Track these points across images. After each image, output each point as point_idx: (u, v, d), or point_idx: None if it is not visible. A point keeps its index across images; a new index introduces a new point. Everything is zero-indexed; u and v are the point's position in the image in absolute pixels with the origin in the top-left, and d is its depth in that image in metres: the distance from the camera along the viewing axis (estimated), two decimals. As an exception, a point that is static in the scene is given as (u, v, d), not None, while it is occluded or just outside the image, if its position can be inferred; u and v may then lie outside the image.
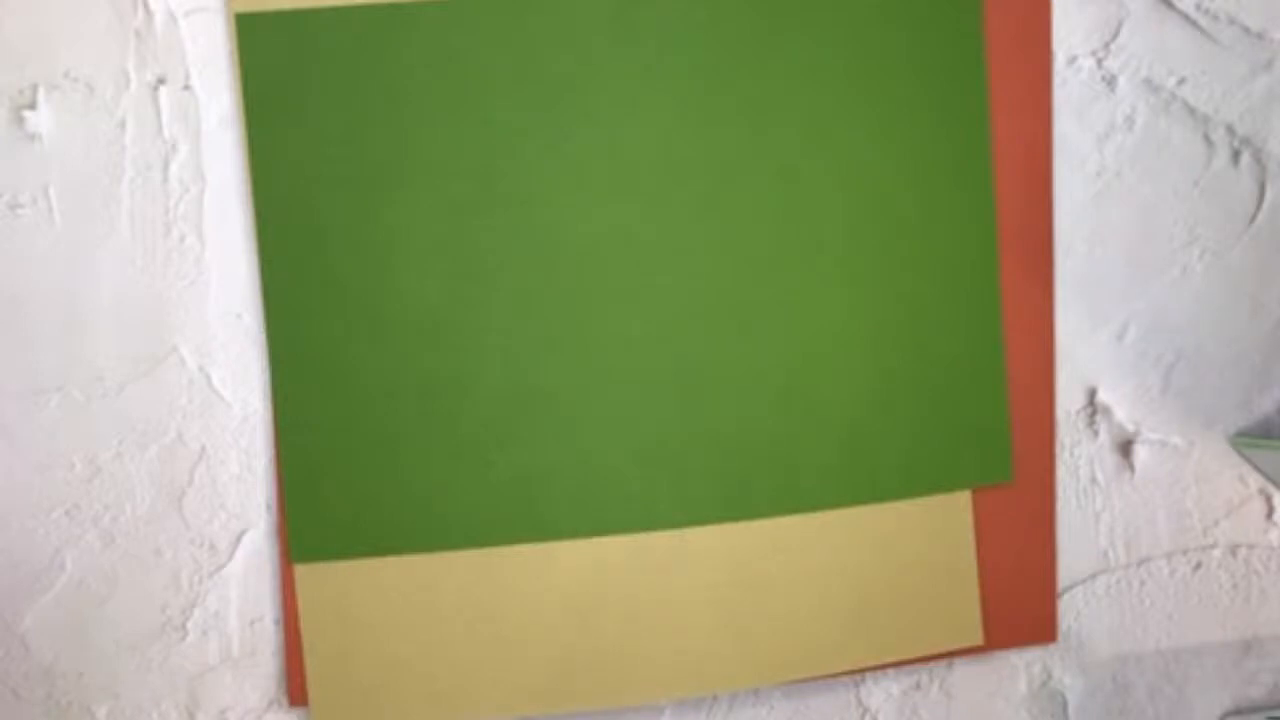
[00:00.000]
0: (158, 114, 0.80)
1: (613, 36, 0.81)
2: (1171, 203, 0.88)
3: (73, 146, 0.79)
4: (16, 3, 0.78)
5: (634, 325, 0.83)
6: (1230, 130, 0.88)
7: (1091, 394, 0.89)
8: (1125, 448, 0.90)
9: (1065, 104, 0.86)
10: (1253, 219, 0.89)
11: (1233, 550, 0.92)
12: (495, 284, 0.82)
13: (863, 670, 0.89)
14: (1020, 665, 0.92)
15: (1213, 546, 0.92)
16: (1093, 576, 0.91)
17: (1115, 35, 0.86)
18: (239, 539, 0.84)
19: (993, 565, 0.89)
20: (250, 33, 0.79)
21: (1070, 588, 0.91)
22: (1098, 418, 0.90)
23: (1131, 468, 0.90)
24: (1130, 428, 0.90)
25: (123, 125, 0.79)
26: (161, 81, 0.79)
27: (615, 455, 0.84)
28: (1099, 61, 0.86)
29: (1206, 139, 0.88)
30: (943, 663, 0.91)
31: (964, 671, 0.91)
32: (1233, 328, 0.90)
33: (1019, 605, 0.90)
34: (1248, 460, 0.91)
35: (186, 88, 0.80)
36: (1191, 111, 0.87)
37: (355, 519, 0.83)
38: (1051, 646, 0.91)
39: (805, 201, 0.84)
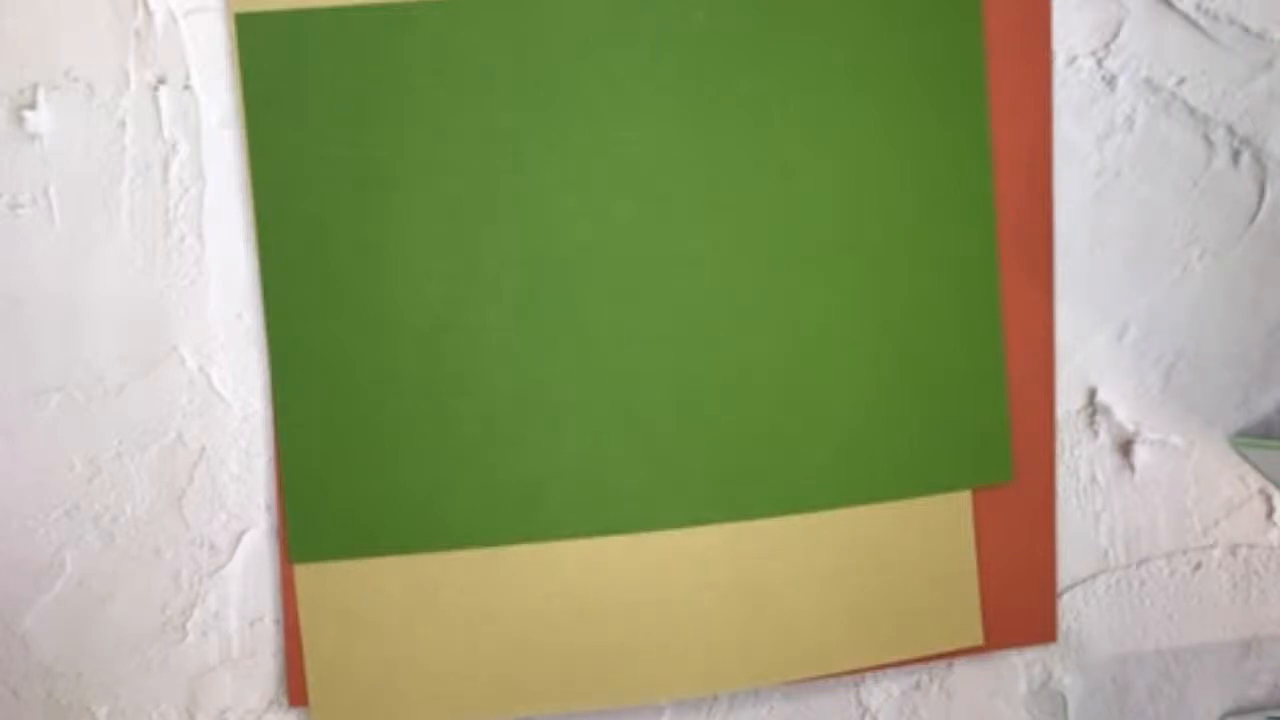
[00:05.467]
0: (158, 114, 0.80)
1: (613, 36, 0.81)
2: (1171, 203, 0.88)
3: (73, 146, 0.79)
4: (16, 3, 0.78)
5: (634, 325, 0.83)
6: (1230, 130, 0.88)
7: (1091, 394, 0.89)
8: (1125, 448, 0.90)
9: (1065, 104, 0.86)
10: (1253, 219, 0.89)
11: (1233, 550, 0.92)
12: (495, 284, 0.82)
13: (863, 670, 0.89)
14: (1020, 665, 0.92)
15: (1213, 546, 0.92)
16: (1093, 576, 0.91)
17: (1115, 35, 0.86)
18: (239, 539, 0.84)
19: (993, 565, 0.89)
20: (250, 33, 0.79)
21: (1070, 588, 0.91)
22: (1098, 418, 0.90)
23: (1131, 468, 0.90)
24: (1130, 428, 0.90)
25: (123, 125, 0.79)
26: (161, 81, 0.79)
27: (615, 455, 0.84)
28: (1099, 61, 0.86)
29: (1206, 139, 0.88)
30: (943, 663, 0.91)
31: (964, 671, 0.91)
32: (1233, 328, 0.90)
33: (1019, 605, 0.90)
34: (1248, 460, 0.91)
35: (186, 88, 0.80)
36: (1191, 111, 0.87)
37: (355, 519, 0.83)
38: (1051, 646, 0.91)
39: (805, 201, 0.84)
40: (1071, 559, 0.91)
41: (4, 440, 0.81)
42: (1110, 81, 0.86)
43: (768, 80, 0.82)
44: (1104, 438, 0.90)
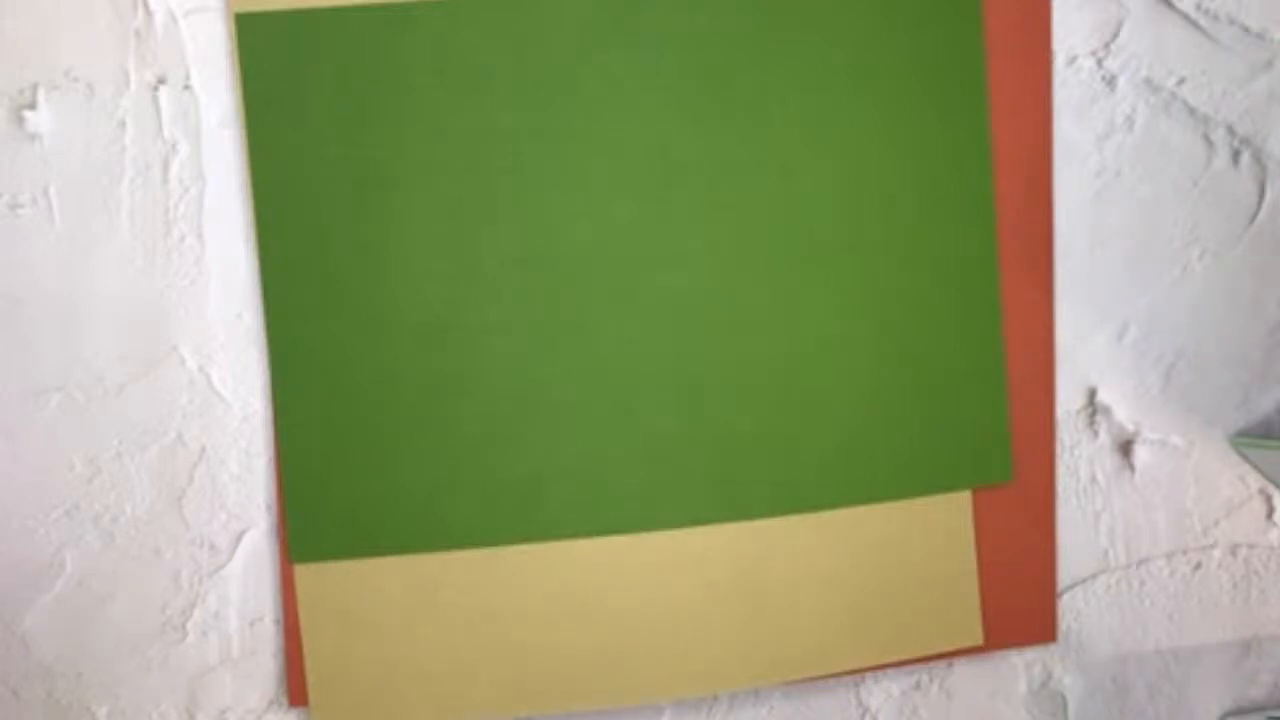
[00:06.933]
0: (158, 114, 0.80)
1: (613, 36, 0.81)
2: (1171, 203, 0.88)
3: (73, 146, 0.79)
4: (16, 3, 0.78)
5: (634, 325, 0.83)
6: (1230, 130, 0.88)
7: (1091, 394, 0.89)
8: (1125, 448, 0.90)
9: (1065, 104, 0.86)
10: (1253, 219, 0.89)
11: (1233, 550, 0.92)
12: (495, 283, 0.82)
13: (863, 670, 0.89)
14: (1020, 665, 0.92)
15: (1213, 546, 0.92)
16: (1093, 576, 0.91)
17: (1115, 35, 0.86)
18: (239, 539, 0.84)
19: (993, 565, 0.89)
20: (250, 33, 0.79)
21: (1070, 588, 0.91)
22: (1098, 418, 0.90)
23: (1131, 468, 0.90)
24: (1130, 428, 0.90)
25: (123, 125, 0.79)
26: (161, 81, 0.79)
27: (615, 455, 0.84)
28: (1099, 61, 0.86)
29: (1206, 139, 0.88)
30: (943, 663, 0.91)
31: (964, 671, 0.91)
32: (1233, 328, 0.90)
33: (1019, 605, 0.90)
34: (1248, 460, 0.91)
35: (186, 88, 0.80)
36: (1191, 111, 0.87)
37: (355, 519, 0.83)
38: (1051, 646, 0.91)
39: (805, 201, 0.84)
40: (1071, 559, 0.91)
41: (4, 440, 0.81)
42: (1110, 81, 0.86)
43: (768, 80, 0.82)
44: (1104, 438, 0.90)
